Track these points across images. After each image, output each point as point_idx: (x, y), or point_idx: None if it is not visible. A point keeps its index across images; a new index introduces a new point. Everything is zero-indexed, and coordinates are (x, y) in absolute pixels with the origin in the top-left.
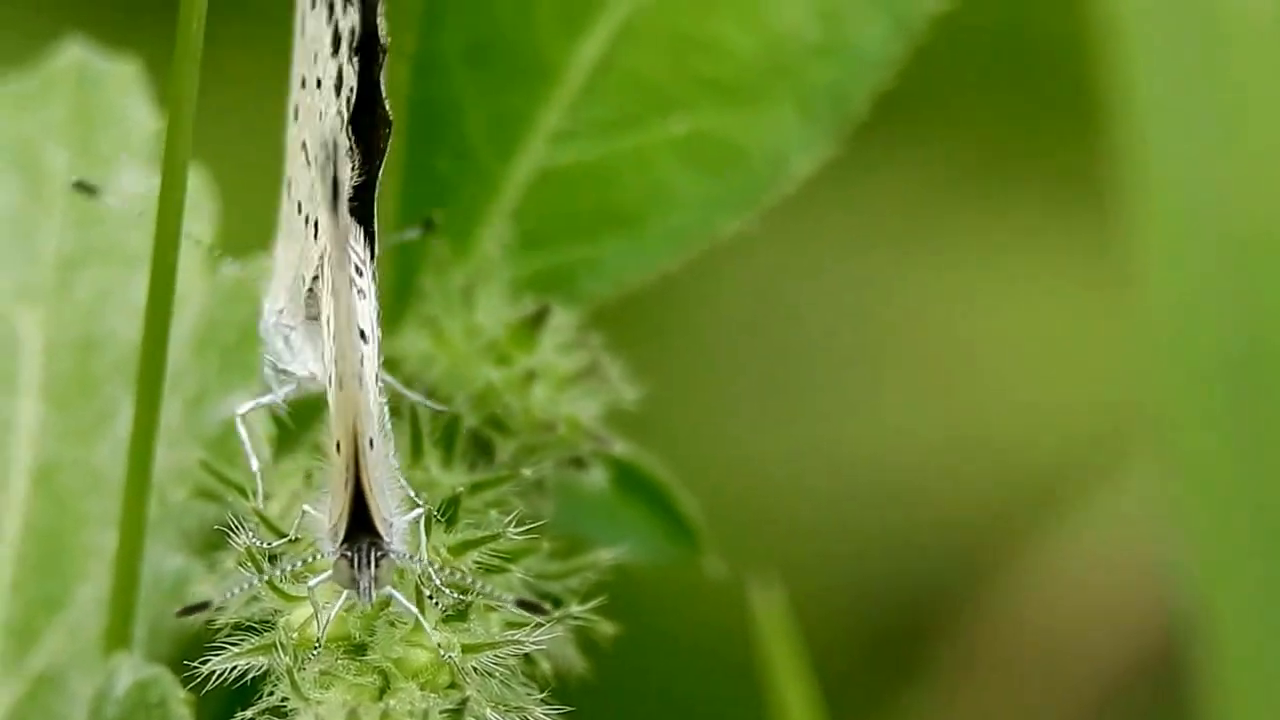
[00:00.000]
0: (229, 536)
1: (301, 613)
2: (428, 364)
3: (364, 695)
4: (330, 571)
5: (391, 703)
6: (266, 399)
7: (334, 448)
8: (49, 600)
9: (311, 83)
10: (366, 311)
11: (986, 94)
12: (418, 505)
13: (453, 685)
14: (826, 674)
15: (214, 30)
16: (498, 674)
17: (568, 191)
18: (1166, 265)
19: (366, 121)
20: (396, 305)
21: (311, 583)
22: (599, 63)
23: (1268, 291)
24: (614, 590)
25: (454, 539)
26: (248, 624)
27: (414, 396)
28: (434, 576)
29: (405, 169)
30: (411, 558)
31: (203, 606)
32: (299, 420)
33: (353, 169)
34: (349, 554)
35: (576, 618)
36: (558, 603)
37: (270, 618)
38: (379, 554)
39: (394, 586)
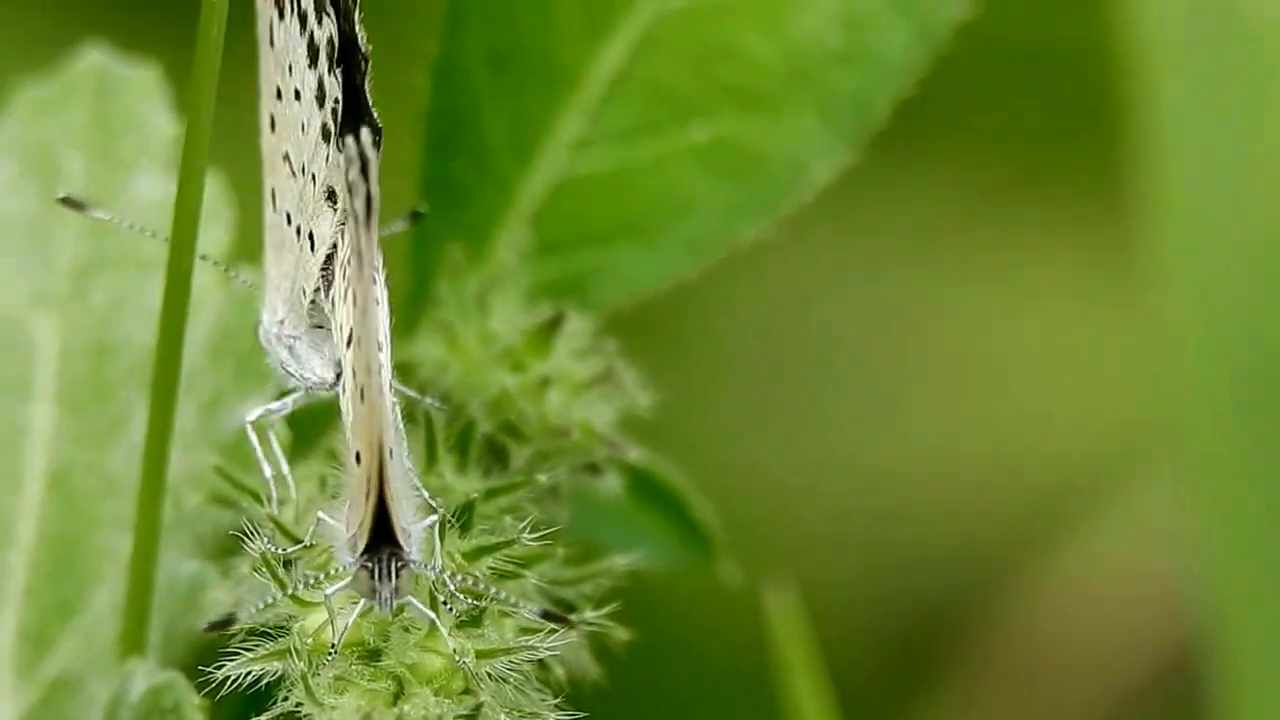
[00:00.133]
0: (244, 542)
1: (316, 618)
2: (442, 370)
3: (378, 701)
4: (349, 580)
5: (406, 708)
6: (275, 406)
7: (353, 458)
8: (63, 605)
9: (289, 94)
10: (383, 320)
11: (1008, 106)
12: (434, 511)
13: (467, 691)
14: (842, 684)
15: (234, 36)
16: (512, 680)
17: (586, 198)
18: (1188, 280)
19: (354, 130)
20: (411, 311)
21: (329, 590)
22: (620, 70)
23: None
24: (628, 596)
25: (468, 545)
26: (262, 629)
27: (425, 401)
28: (448, 582)
29: (423, 175)
30: (426, 564)
31: (228, 622)
32: (313, 426)
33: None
34: (369, 564)
35: (591, 624)
36: (572, 609)
37: (285, 623)
38: (399, 564)
39: (408, 592)
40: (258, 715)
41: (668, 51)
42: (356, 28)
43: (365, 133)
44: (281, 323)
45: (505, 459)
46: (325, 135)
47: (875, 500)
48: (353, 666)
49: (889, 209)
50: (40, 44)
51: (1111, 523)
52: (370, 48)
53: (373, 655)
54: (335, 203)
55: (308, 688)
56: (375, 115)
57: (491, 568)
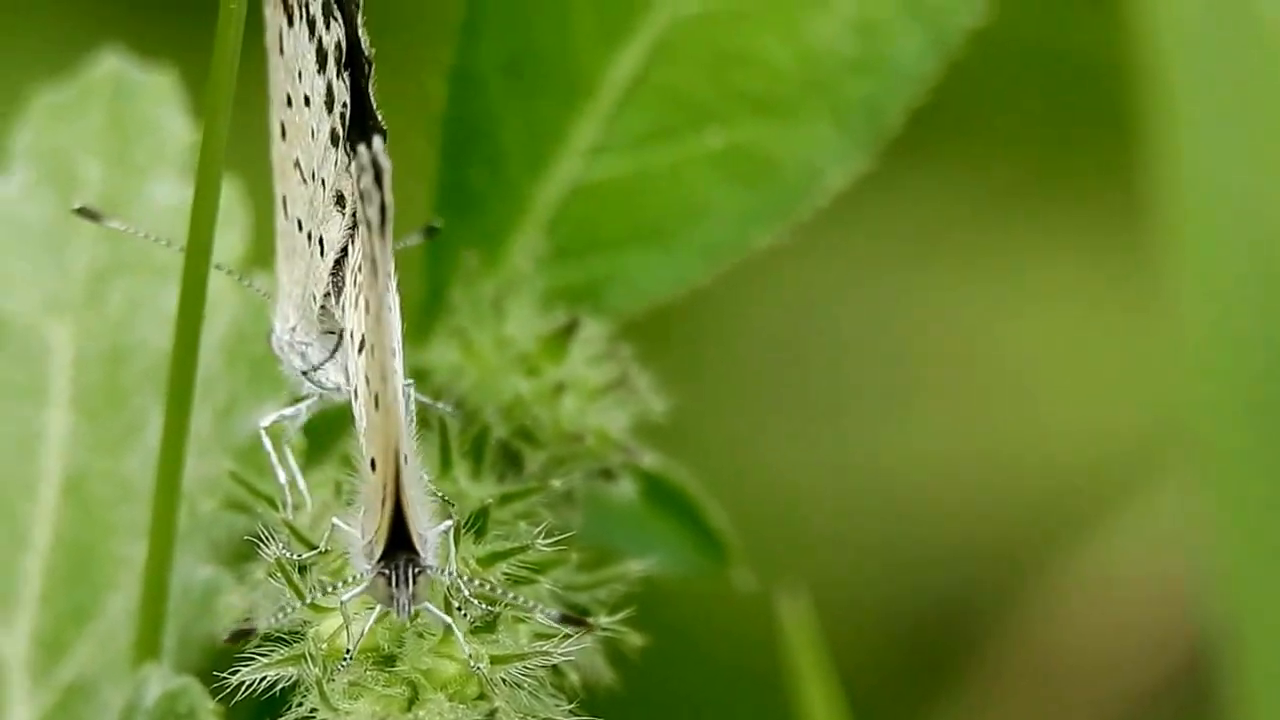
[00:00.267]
0: (259, 547)
1: (331, 624)
2: (457, 376)
3: (393, 706)
4: (364, 586)
5: (420, 714)
6: (289, 412)
7: (367, 464)
8: (79, 610)
9: (299, 100)
10: (396, 327)
11: (1020, 109)
12: (449, 516)
13: (481, 696)
14: (854, 687)
15: (251, 41)
16: (526, 685)
17: (601, 204)
18: (1200, 283)
19: (360, 135)
20: (426, 317)
21: (344, 596)
22: (635, 76)
23: None
24: (642, 602)
25: (483, 550)
26: (277, 635)
27: (440, 407)
28: (463, 588)
29: (438, 181)
30: (441, 570)
31: (248, 632)
32: (328, 431)
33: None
34: (386, 571)
35: (605, 629)
36: (586, 614)
37: (300, 629)
38: (416, 570)
39: (426, 598)
40: None
41: (683, 57)
42: (360, 31)
43: (378, 140)
44: (293, 329)
45: (520, 464)
46: (334, 140)
47: (889, 503)
48: (367, 672)
49: (900, 212)
50: (56, 49)
51: (1123, 524)
52: (374, 51)
53: (387, 661)
54: (344, 207)
55: (322, 693)
56: (380, 119)
57: (506, 573)
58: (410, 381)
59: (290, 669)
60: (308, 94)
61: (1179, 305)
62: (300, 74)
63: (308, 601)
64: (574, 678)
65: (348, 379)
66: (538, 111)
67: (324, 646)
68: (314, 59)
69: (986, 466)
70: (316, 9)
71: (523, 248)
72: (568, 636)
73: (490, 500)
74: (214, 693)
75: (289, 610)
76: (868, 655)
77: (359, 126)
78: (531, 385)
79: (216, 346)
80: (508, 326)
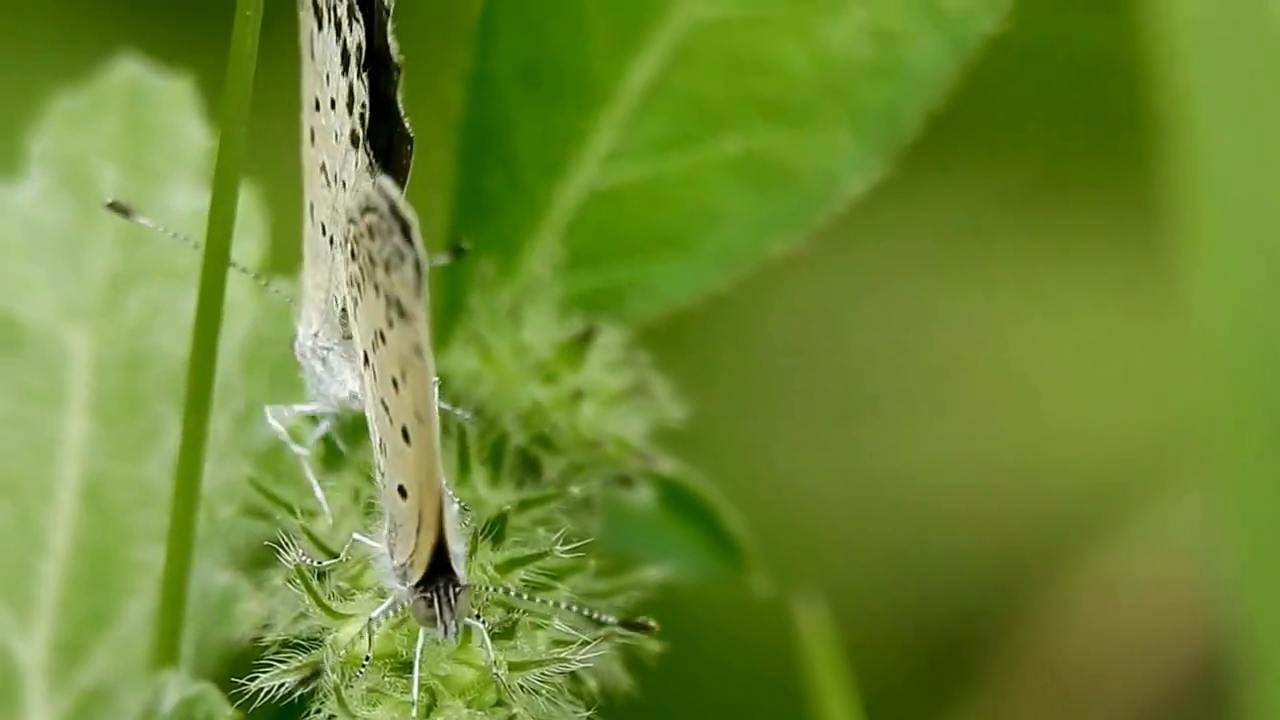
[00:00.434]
0: (277, 553)
1: (349, 630)
2: (475, 382)
3: (411, 713)
4: (390, 603)
5: None
6: (308, 409)
7: (394, 488)
8: (97, 616)
9: (325, 104)
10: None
11: (1036, 113)
12: (468, 522)
13: (499, 703)
14: (871, 694)
15: (267, 46)
16: (544, 691)
17: (618, 210)
18: (1215, 288)
19: (385, 140)
20: (444, 323)
21: (374, 613)
22: (652, 82)
23: None
24: (660, 608)
25: (501, 557)
26: (295, 641)
27: (458, 414)
28: (481, 594)
29: (455, 187)
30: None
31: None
32: (346, 438)
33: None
34: (428, 595)
35: (623, 636)
36: (602, 621)
37: (318, 635)
38: (456, 590)
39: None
40: None
41: (700, 64)
42: (389, 37)
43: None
44: (315, 335)
45: (538, 471)
46: (354, 141)
47: (903, 509)
48: (385, 678)
49: (915, 219)
50: (73, 56)
51: (1137, 530)
52: (402, 58)
53: (405, 667)
54: None
55: (340, 700)
56: (407, 124)
57: (524, 580)
58: (436, 379)
59: (307, 675)
60: (334, 97)
61: (1194, 310)
62: (328, 77)
63: (315, 596)
64: (592, 684)
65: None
66: (554, 117)
67: (342, 653)
68: (339, 61)
69: (1001, 472)
70: (343, 11)
71: (540, 254)
72: (586, 643)
73: (509, 507)
74: (232, 699)
75: (307, 614)
76: (882, 661)
77: (385, 133)
78: (549, 392)
79: (235, 352)
80: (525, 333)
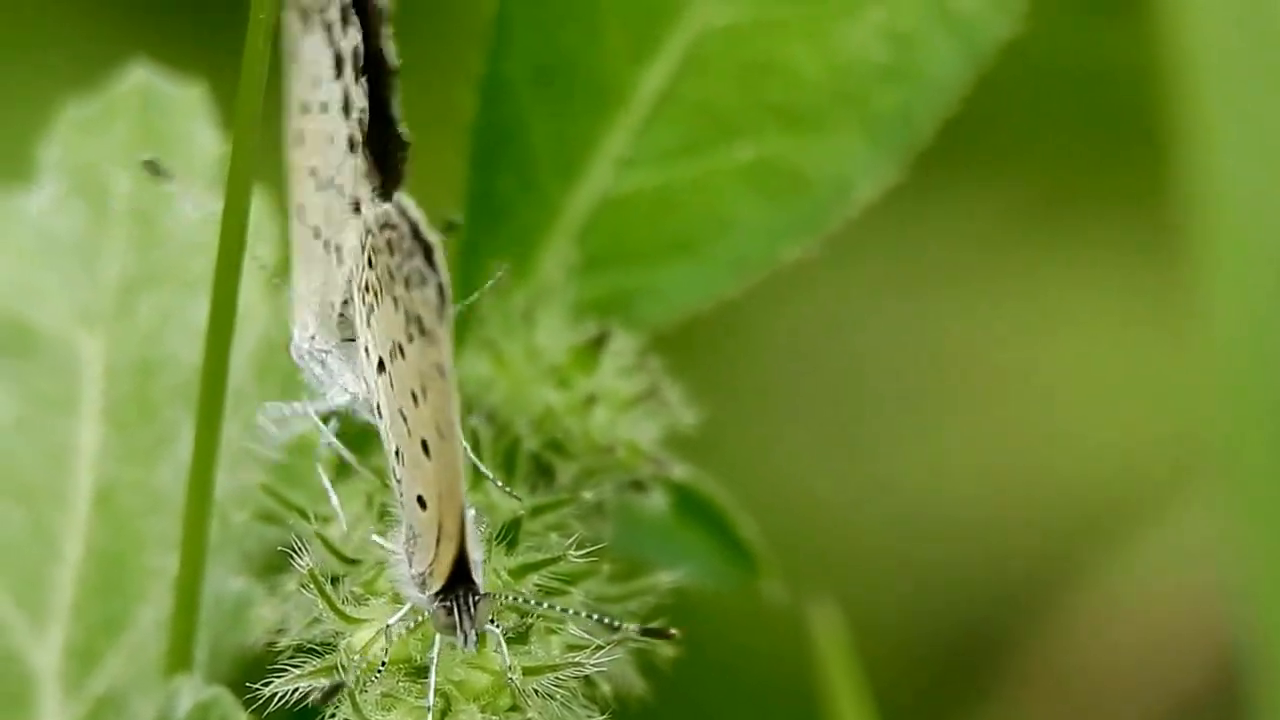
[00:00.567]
0: (291, 558)
1: (363, 635)
2: (488, 387)
3: (425, 717)
4: (406, 611)
5: None
6: (318, 407)
7: (413, 498)
8: (110, 622)
9: (315, 106)
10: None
11: (1049, 124)
12: (482, 527)
13: (514, 707)
14: (885, 701)
15: (280, 53)
16: (558, 696)
17: (631, 216)
18: (1229, 299)
19: (381, 144)
20: (457, 328)
21: (391, 620)
22: (665, 87)
23: None
24: (673, 613)
25: (515, 562)
26: (309, 646)
27: (471, 418)
28: (497, 600)
29: (468, 190)
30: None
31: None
32: (358, 444)
33: (374, 192)
34: (448, 604)
35: (640, 641)
36: (617, 626)
37: (332, 640)
38: (476, 599)
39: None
40: None
41: (713, 69)
42: (386, 42)
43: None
44: (313, 338)
45: (551, 476)
46: (352, 146)
47: (916, 518)
48: (400, 683)
49: (928, 227)
50: (86, 63)
51: (1152, 540)
52: (399, 62)
53: (420, 672)
54: (360, 213)
55: (355, 704)
56: (402, 130)
57: (538, 584)
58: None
59: (323, 680)
60: (324, 100)
61: (1204, 321)
62: (316, 80)
63: (328, 601)
64: (606, 688)
65: (367, 387)
66: (568, 121)
67: (356, 658)
68: (331, 65)
69: (1011, 481)
70: (335, 14)
71: (553, 258)
72: (600, 648)
73: (522, 512)
74: (246, 704)
75: (320, 618)
76: (892, 669)
77: (382, 138)
78: (562, 397)
79: (247, 359)
80: (538, 337)
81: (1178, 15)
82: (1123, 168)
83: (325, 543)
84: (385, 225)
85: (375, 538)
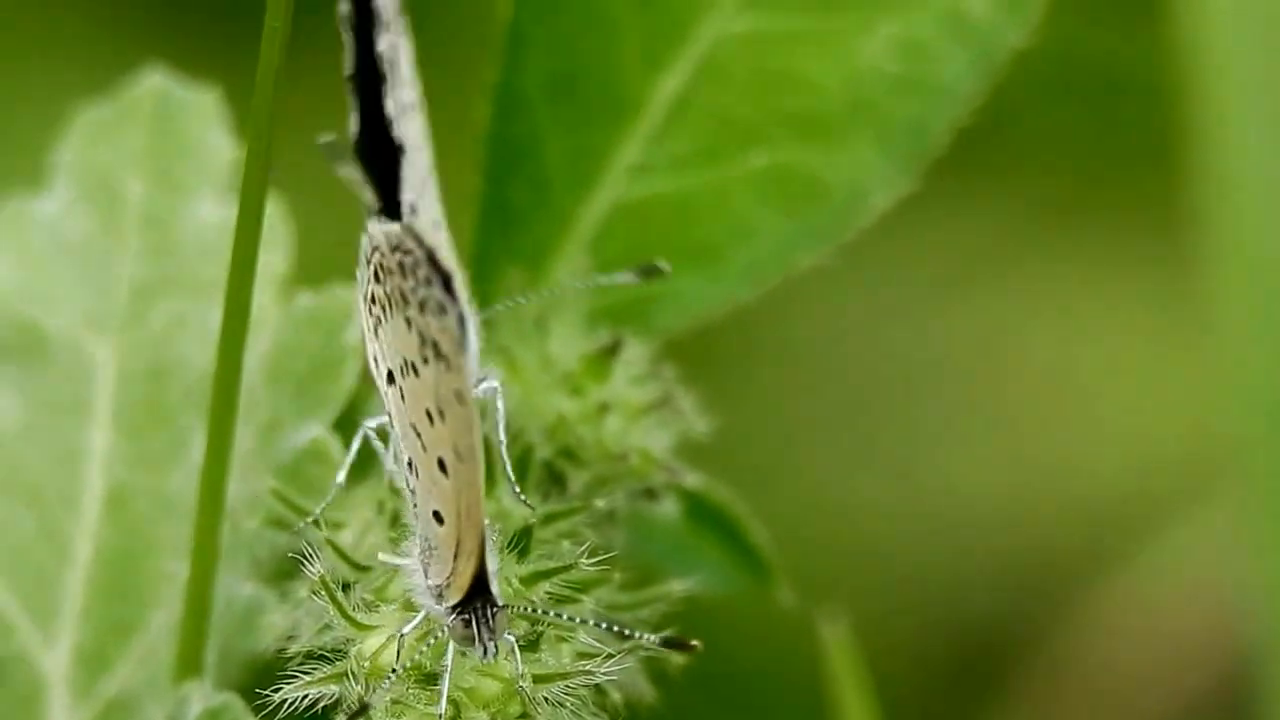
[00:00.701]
0: (302, 565)
1: (374, 641)
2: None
3: None
4: (420, 619)
5: None
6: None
7: (428, 512)
8: (120, 626)
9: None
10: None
11: (1062, 135)
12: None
13: (524, 715)
14: (898, 705)
15: (295, 60)
16: (569, 704)
17: (645, 224)
18: (1245, 303)
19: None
20: None
21: (404, 630)
22: (680, 96)
23: None
24: (685, 621)
25: (526, 569)
26: (319, 652)
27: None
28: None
29: (482, 200)
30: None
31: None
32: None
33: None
34: (466, 616)
35: (648, 648)
36: (628, 634)
37: (342, 646)
38: (494, 610)
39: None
40: None
41: (728, 78)
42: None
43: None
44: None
45: (563, 484)
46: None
47: (931, 522)
48: (410, 690)
49: (943, 233)
50: (101, 67)
51: (1166, 543)
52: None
53: (430, 679)
54: None
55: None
56: (399, 137)
57: (549, 592)
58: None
59: (333, 686)
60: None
61: (1222, 328)
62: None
63: (339, 608)
64: (616, 697)
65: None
66: (582, 130)
67: (367, 664)
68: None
69: (1028, 488)
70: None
71: (566, 267)
72: (610, 655)
73: (534, 519)
74: (256, 710)
75: (331, 625)
76: (909, 673)
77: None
78: (575, 404)
79: (259, 365)
80: (551, 345)
81: (1193, 25)
82: (1137, 177)
83: (336, 549)
84: (397, 248)
85: (387, 556)
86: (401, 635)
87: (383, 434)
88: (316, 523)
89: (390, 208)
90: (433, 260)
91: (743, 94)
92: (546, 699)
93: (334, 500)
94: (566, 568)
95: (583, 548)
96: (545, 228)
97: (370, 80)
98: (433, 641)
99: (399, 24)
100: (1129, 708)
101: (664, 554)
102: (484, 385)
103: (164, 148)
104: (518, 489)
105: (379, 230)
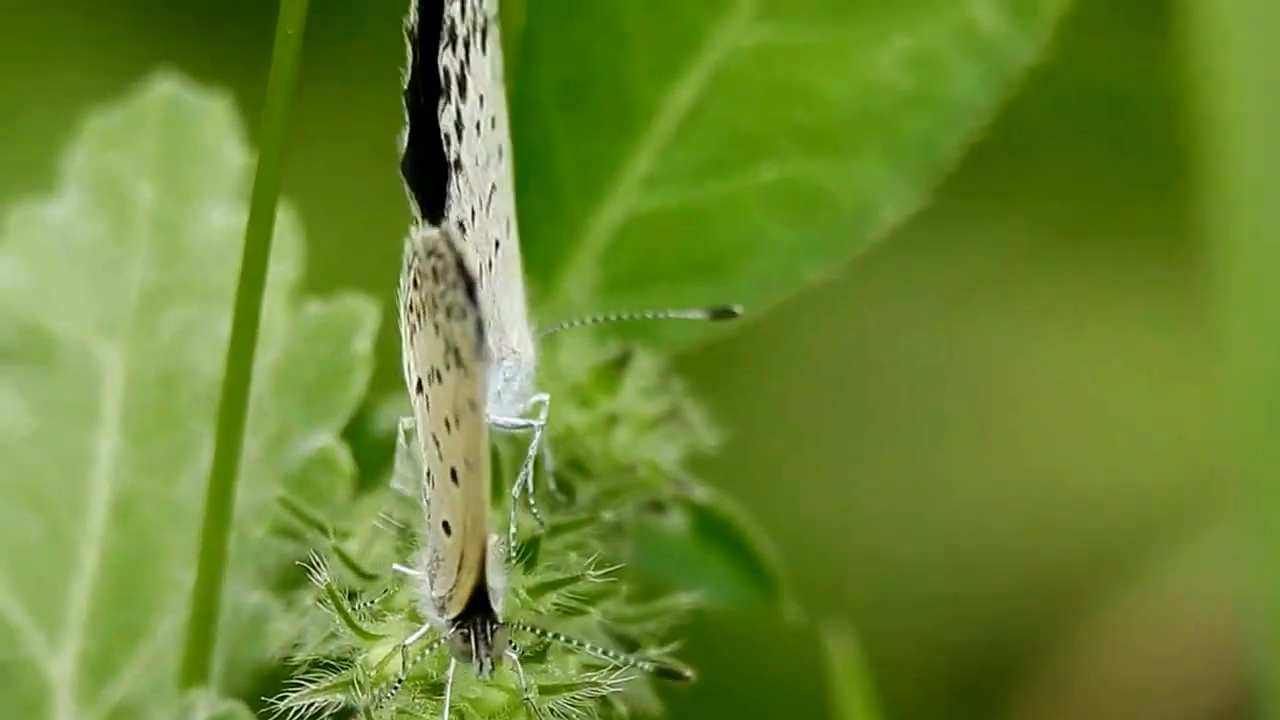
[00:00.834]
0: (309, 573)
1: (380, 651)
2: None
3: None
4: (424, 630)
5: None
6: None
7: (439, 522)
8: (127, 632)
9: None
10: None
11: (1076, 151)
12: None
13: None
14: None
15: (307, 68)
16: (574, 716)
17: (655, 236)
18: (1256, 326)
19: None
20: None
21: (408, 640)
22: (692, 108)
23: None
24: (691, 634)
25: (533, 581)
26: (325, 661)
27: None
28: (514, 619)
29: None
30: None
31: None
32: (377, 460)
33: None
34: (465, 630)
35: (653, 661)
36: (635, 646)
37: (348, 655)
38: (494, 627)
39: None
40: None
41: (739, 90)
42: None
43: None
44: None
45: (571, 495)
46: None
47: (938, 539)
48: (415, 700)
49: (955, 253)
50: (112, 72)
51: (1170, 562)
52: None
53: (435, 689)
54: None
55: None
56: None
57: (556, 604)
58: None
59: (338, 695)
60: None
61: (1231, 347)
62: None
63: (345, 616)
64: (622, 709)
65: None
66: (594, 141)
67: (372, 673)
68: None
69: (1034, 504)
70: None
71: (576, 278)
72: (616, 668)
73: (542, 531)
74: (262, 718)
75: (337, 634)
76: (913, 690)
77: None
78: (584, 416)
79: (268, 373)
80: (561, 357)
81: (1205, 41)
82: (1148, 194)
83: (343, 558)
84: (432, 252)
85: (399, 566)
86: (404, 645)
87: (409, 436)
88: (324, 531)
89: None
90: (460, 265)
91: (754, 106)
92: (552, 710)
93: (341, 509)
94: (574, 579)
95: (590, 560)
96: (556, 236)
97: (428, 93)
98: (436, 649)
99: (478, 39)
100: None
101: (671, 567)
102: (534, 400)
103: (175, 154)
104: (533, 502)
105: (417, 235)
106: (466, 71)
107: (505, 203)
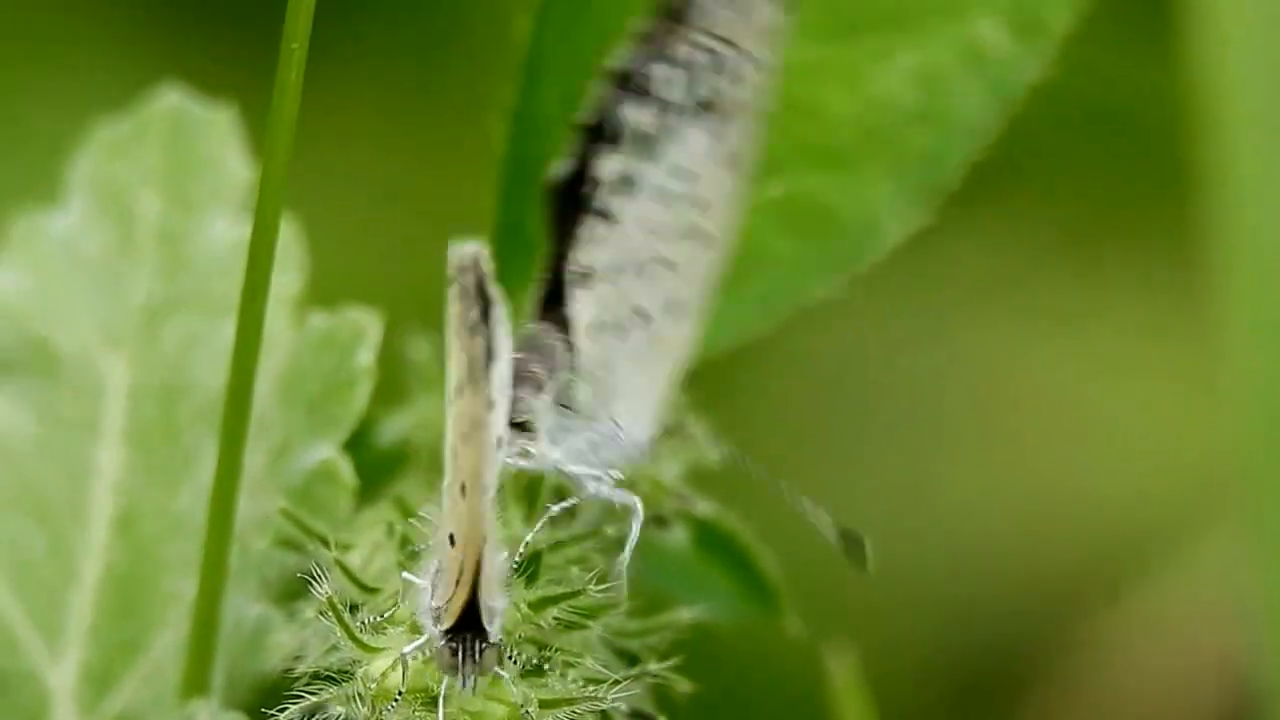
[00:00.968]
0: (310, 585)
1: (380, 663)
2: None
3: None
4: (423, 641)
5: None
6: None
7: (445, 533)
8: (128, 645)
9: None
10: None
11: (1078, 164)
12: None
13: None
14: None
15: (311, 79)
16: None
17: None
18: (1256, 335)
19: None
20: None
21: (406, 649)
22: None
23: None
24: (692, 648)
25: (535, 594)
26: (326, 673)
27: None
28: (513, 635)
29: (496, 222)
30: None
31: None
32: (380, 473)
33: None
34: (454, 644)
35: (655, 675)
36: (636, 660)
37: (349, 667)
38: (483, 645)
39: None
40: None
41: None
42: None
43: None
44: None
45: (573, 510)
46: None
47: (940, 553)
48: (416, 713)
49: (957, 266)
50: (116, 82)
51: (1176, 569)
52: None
53: (436, 702)
54: None
55: None
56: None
57: (557, 618)
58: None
59: (339, 708)
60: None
61: (1232, 355)
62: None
63: (346, 628)
64: None
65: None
66: None
67: (373, 686)
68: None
69: (1037, 514)
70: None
71: None
72: (617, 681)
73: (543, 545)
74: None
75: (338, 646)
76: (916, 698)
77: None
78: None
79: (271, 385)
80: None
81: (1206, 56)
82: (1149, 206)
83: (345, 570)
84: (461, 269)
85: (405, 574)
86: (403, 656)
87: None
88: (325, 543)
89: None
90: (481, 285)
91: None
92: None
93: (343, 521)
94: (575, 593)
95: (592, 574)
96: None
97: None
98: (427, 657)
99: (694, 115)
100: None
101: (673, 581)
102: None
103: (179, 165)
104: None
105: (454, 251)
106: (662, 134)
107: (683, 288)
